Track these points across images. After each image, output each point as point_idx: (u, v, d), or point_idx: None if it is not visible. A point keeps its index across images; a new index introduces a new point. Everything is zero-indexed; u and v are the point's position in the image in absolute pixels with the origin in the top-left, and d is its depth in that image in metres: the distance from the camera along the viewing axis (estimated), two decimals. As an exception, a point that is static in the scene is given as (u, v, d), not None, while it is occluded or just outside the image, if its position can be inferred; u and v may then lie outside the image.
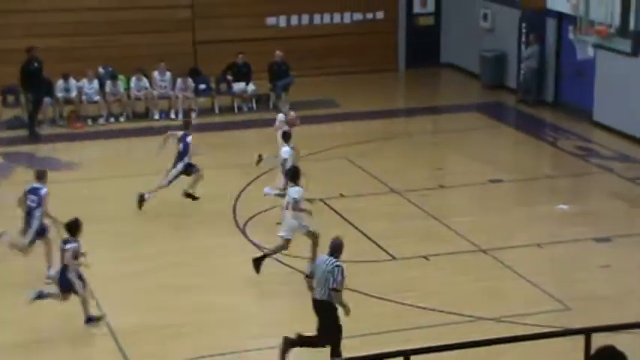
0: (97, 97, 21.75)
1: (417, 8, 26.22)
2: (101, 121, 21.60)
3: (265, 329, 12.68)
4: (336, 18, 25.63)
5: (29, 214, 13.62)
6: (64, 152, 19.78)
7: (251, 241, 15.23)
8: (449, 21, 26.24)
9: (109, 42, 23.45)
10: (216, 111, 22.45)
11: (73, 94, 21.69)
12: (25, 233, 13.68)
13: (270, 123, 21.83)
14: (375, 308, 13.06)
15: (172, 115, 22.03)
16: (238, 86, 22.61)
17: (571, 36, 20.58)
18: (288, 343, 11.33)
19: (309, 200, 15.19)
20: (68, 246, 12.26)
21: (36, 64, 20.90)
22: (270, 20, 25.19)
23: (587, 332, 7.02)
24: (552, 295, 13.33)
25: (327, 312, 11.16)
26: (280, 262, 14.43)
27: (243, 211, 16.31)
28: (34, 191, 13.65)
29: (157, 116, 21.96)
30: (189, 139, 16.34)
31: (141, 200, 16.17)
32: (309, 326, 12.50)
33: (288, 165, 15.05)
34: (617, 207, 16.72)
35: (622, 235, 15.31)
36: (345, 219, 16.04)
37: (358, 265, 14.28)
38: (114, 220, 15.94)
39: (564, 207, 16.51)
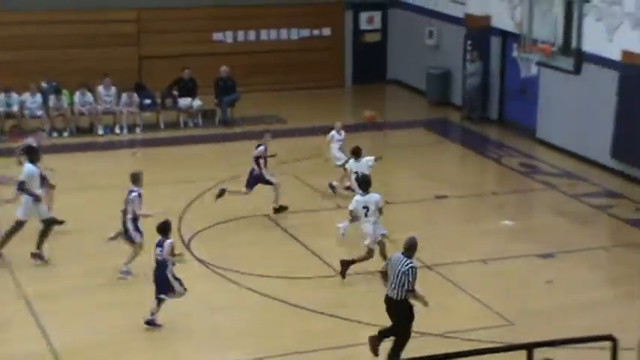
0: (39, 112, 21.45)
1: (363, 25, 26.37)
2: (44, 135, 21.26)
3: (215, 344, 12.57)
4: (283, 34, 25.65)
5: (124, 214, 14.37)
6: (5, 167, 19.44)
7: (196, 257, 15.10)
8: (395, 38, 26.43)
9: (53, 56, 23.15)
10: (162, 126, 22.28)
11: (15, 108, 21.38)
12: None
13: (216, 138, 21.83)
14: (319, 324, 13.02)
15: (117, 131, 21.82)
16: (184, 101, 22.49)
17: (515, 54, 20.81)
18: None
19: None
20: (167, 242, 12.73)
21: (-23, 78, 20.59)
22: (217, 36, 25.13)
23: (529, 347, 7.07)
24: (496, 310, 13.40)
25: (401, 311, 11.52)
26: (227, 278, 14.33)
27: (188, 227, 16.18)
28: (128, 194, 14.38)
29: (101, 131, 21.74)
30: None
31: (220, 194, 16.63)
32: (264, 340, 12.44)
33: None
34: (560, 223, 16.90)
35: (565, 251, 15.47)
36: (291, 234, 16.00)
37: (303, 281, 14.25)
38: (55, 235, 15.67)
39: (509, 223, 16.64)
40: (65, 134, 21.56)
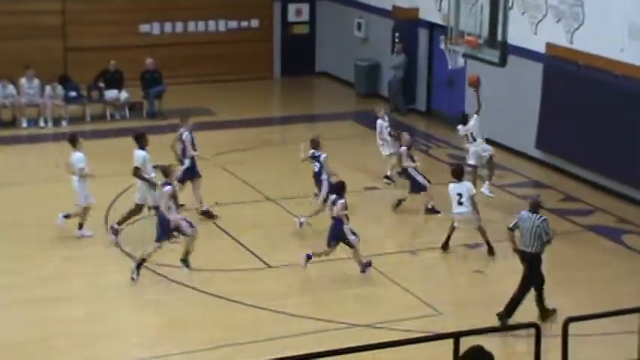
0: (-39, 105, 20.92)
1: (291, 17, 26.32)
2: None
3: (144, 339, 12.44)
4: (211, 26, 25.47)
5: (315, 178, 15.80)
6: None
7: (123, 251, 14.93)
8: (324, 30, 26.45)
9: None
10: (88, 119, 21.95)
11: None
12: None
13: (144, 131, 21.53)
14: (250, 316, 12.99)
15: (41, 124, 21.42)
16: (110, 94, 22.18)
17: (442, 46, 20.98)
18: (504, 317, 12.50)
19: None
20: (339, 202, 14.02)
21: None
22: (144, 27, 24.85)
23: (456, 336, 7.13)
24: (425, 300, 13.51)
25: (536, 263, 12.62)
26: (156, 272, 14.20)
27: (115, 220, 15.97)
28: (315, 158, 15.72)
29: (24, 124, 21.32)
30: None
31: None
32: (192, 333, 12.35)
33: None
34: (487, 213, 17.05)
35: (493, 241, 15.64)
36: (220, 227, 15.92)
37: (233, 273, 14.20)
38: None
39: (438, 214, 16.69)
40: (-13, 127, 21.10)
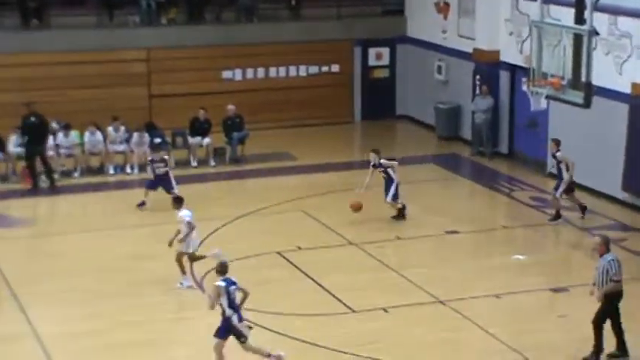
0: (51, 152, 21.42)
1: (372, 61, 26.44)
2: (55, 176, 21.27)
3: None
4: (292, 71, 25.73)
5: None
6: (16, 209, 19.48)
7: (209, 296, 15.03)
8: (404, 73, 26.50)
9: (60, 96, 23.22)
10: (173, 165, 22.27)
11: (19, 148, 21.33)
12: None
13: (226, 176, 21.84)
14: (334, 362, 12.95)
15: (128, 170, 21.83)
16: (194, 140, 22.52)
17: (524, 88, 20.82)
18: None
19: None
20: None
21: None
22: (226, 74, 25.23)
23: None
24: (510, 345, 13.30)
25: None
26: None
27: (200, 265, 16.13)
28: None
29: (112, 171, 21.76)
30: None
31: None
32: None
33: None
34: (572, 257, 16.81)
35: (578, 284, 15.33)
36: (303, 271, 15.95)
37: (316, 318, 14.18)
38: (69, 277, 15.69)
39: (520, 257, 16.53)
40: (76, 174, 21.55)
